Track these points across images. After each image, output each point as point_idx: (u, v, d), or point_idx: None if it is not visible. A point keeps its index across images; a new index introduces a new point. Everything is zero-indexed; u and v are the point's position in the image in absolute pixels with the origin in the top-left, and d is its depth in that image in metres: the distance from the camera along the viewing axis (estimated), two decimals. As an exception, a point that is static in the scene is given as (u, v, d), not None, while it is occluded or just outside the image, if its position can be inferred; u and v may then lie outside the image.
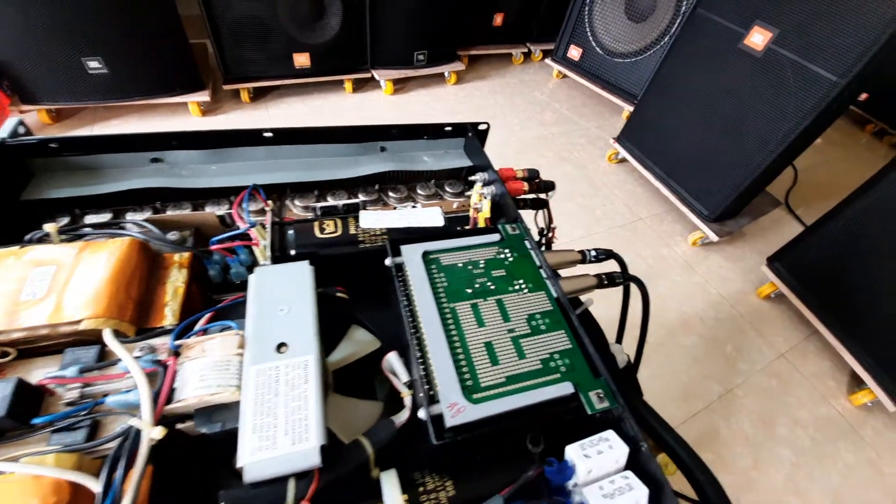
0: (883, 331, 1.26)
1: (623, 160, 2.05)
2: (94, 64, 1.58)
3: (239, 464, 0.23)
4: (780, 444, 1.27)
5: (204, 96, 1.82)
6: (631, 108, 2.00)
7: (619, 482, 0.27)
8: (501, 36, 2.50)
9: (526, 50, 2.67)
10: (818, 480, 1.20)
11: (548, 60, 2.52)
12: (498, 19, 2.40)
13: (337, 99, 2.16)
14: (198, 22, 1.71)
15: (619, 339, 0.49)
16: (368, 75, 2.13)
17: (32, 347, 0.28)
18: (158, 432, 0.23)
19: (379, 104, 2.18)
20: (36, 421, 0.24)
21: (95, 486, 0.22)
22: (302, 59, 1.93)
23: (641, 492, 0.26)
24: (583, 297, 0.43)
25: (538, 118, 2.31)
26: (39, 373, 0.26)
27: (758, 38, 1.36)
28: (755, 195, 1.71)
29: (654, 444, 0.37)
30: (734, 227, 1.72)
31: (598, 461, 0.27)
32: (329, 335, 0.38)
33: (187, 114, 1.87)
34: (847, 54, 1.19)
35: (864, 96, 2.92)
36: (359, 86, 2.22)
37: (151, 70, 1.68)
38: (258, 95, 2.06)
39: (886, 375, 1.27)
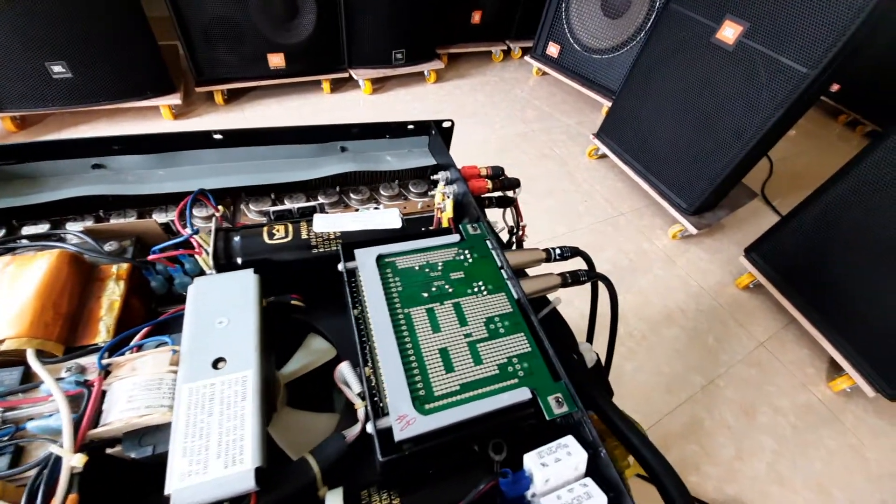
0: (859, 317, 1.28)
1: (603, 156, 2.06)
2: (57, 68, 1.53)
3: (167, 491, 0.21)
4: (762, 432, 1.29)
5: (175, 99, 1.77)
6: (610, 104, 2.01)
7: (577, 490, 0.26)
8: (480, 34, 2.49)
9: (505, 47, 2.67)
10: (801, 468, 1.22)
11: (527, 58, 2.52)
12: (476, 17, 2.39)
13: (315, 100, 2.13)
14: (167, 23, 1.67)
15: (589, 339, 0.48)
16: (346, 75, 2.10)
17: (-54, 372, 0.26)
18: (78, 460, 0.22)
19: (358, 104, 2.15)
20: (-57, 453, 0.22)
21: (4, 522, 0.20)
22: (276, 60, 1.89)
23: (600, 500, 0.25)
24: (550, 297, 0.42)
25: (519, 115, 2.31)
26: (-48, 400, 0.24)
27: (729, 32, 1.38)
28: (732, 187, 1.73)
29: (619, 444, 0.37)
30: (712, 219, 1.75)
31: (556, 469, 0.26)
32: (284, 345, 0.36)
33: (159, 117, 1.82)
34: (816, 46, 1.20)
35: (835, 87, 2.99)
36: (337, 86, 2.19)
37: (119, 73, 1.63)
38: (233, 97, 2.02)
39: (864, 361, 1.30)
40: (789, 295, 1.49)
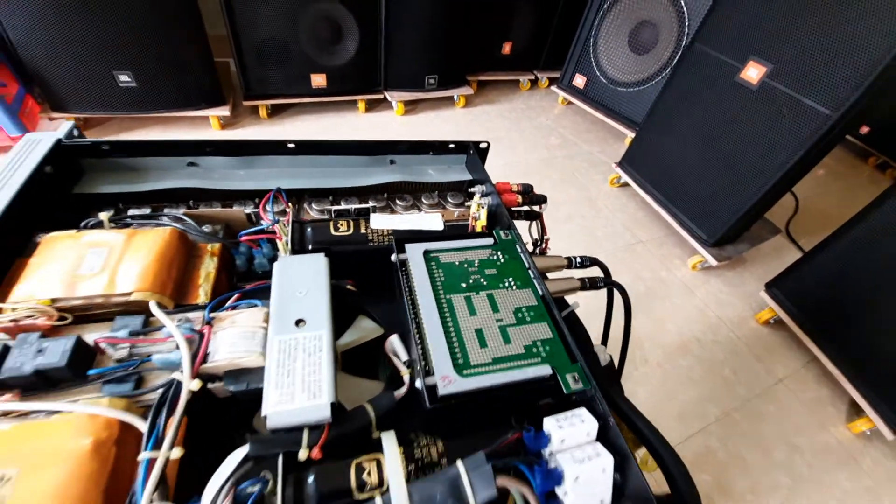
0: (881, 359, 1.27)
1: (625, 184, 2.11)
2: (124, 77, 1.69)
3: (263, 413, 0.27)
4: (777, 469, 1.27)
5: (224, 111, 1.92)
6: (633, 135, 2.07)
7: (588, 451, 0.30)
8: (510, 63, 2.61)
9: (533, 77, 2.78)
10: (815, 508, 1.19)
11: (554, 87, 2.61)
12: (507, 48, 2.51)
13: (350, 118, 2.26)
14: (223, 41, 1.83)
15: (604, 342, 0.52)
16: (381, 96, 2.23)
17: (86, 314, 0.33)
18: (196, 384, 0.28)
19: (390, 124, 2.27)
20: (91, 372, 0.29)
21: (142, 425, 0.26)
22: (319, 80, 2.03)
23: (608, 459, 0.30)
24: (569, 300, 0.47)
25: (543, 142, 2.39)
26: (91, 336, 0.31)
27: (753, 73, 1.43)
28: (753, 222, 1.74)
29: (633, 437, 0.41)
30: (733, 252, 1.76)
31: (570, 432, 0.31)
32: (338, 323, 0.42)
33: (208, 127, 1.97)
34: (839, 89, 1.24)
35: (865, 129, 2.97)
36: (371, 106, 2.32)
37: (178, 85, 1.78)
38: (275, 112, 2.16)
39: (885, 404, 1.27)
40: (810, 333, 1.47)
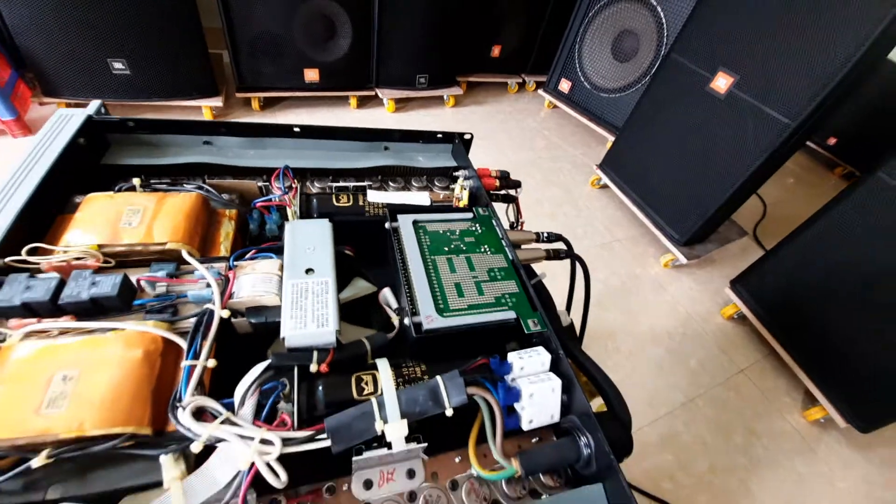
0: (834, 351, 1.37)
1: (605, 186, 2.21)
2: (118, 65, 1.71)
3: (282, 335, 0.34)
4: (736, 451, 1.37)
5: (217, 102, 1.95)
6: (614, 139, 2.17)
7: (542, 377, 0.38)
8: (499, 66, 2.70)
9: (521, 80, 2.87)
10: (771, 488, 1.29)
11: (540, 91, 2.71)
12: (496, 50, 2.59)
13: (342, 113, 2.31)
14: (218, 34, 1.86)
15: (567, 308, 0.60)
16: (372, 93, 2.29)
17: (126, 260, 0.39)
18: (225, 313, 0.34)
19: (381, 121, 2.33)
20: (136, 303, 0.35)
21: (183, 342, 0.32)
22: (311, 75, 2.08)
23: (557, 382, 0.37)
24: (537, 271, 0.55)
25: (529, 143, 2.48)
26: (134, 276, 0.37)
27: (721, 83, 1.54)
28: (721, 223, 1.86)
29: (589, 387, 0.48)
30: (702, 251, 1.87)
31: (528, 362, 0.38)
32: (338, 282, 0.49)
33: (200, 117, 2.00)
34: (797, 99, 1.34)
35: (833, 140, 3.15)
36: (363, 102, 2.38)
37: (172, 74, 1.81)
38: (268, 105, 2.20)
39: (837, 393, 1.37)
40: (770, 327, 1.58)
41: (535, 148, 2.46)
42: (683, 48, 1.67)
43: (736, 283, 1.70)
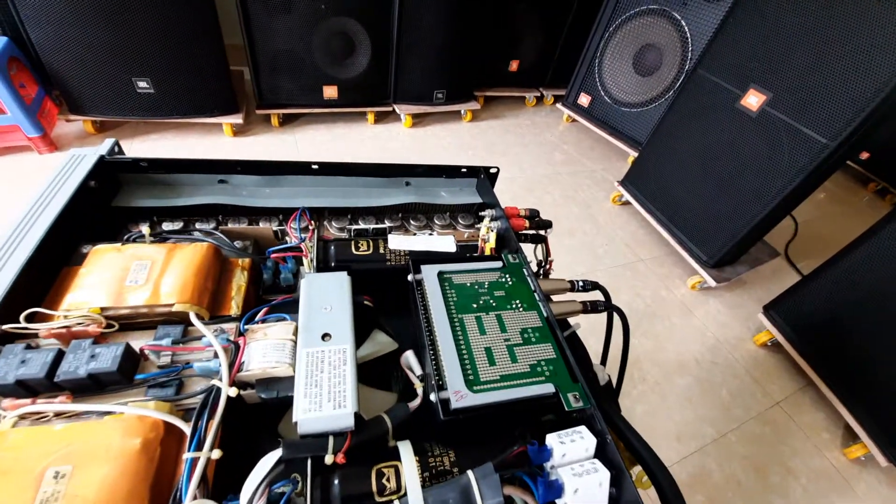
0: (876, 384, 1.28)
1: (626, 202, 2.14)
2: (142, 84, 1.74)
3: (294, 419, 0.30)
4: (772, 492, 1.28)
5: (237, 119, 1.97)
6: (635, 154, 2.11)
7: (587, 466, 0.33)
8: (516, 80, 2.67)
9: (539, 94, 2.83)
10: (810, 532, 1.20)
11: (559, 105, 2.67)
12: (514, 65, 2.57)
13: (359, 129, 2.31)
14: (239, 51, 1.88)
15: (602, 362, 0.55)
16: (390, 109, 2.28)
17: (131, 323, 0.36)
18: (234, 391, 0.31)
19: (398, 136, 2.32)
20: (137, 377, 0.32)
21: (186, 427, 0.29)
22: (330, 91, 2.09)
23: (605, 474, 0.32)
24: (571, 321, 0.50)
25: (547, 158, 2.44)
26: (137, 343, 0.34)
27: (753, 100, 1.47)
28: (752, 244, 1.78)
29: (629, 455, 0.43)
30: (732, 274, 1.78)
31: (570, 448, 0.33)
32: (356, 336, 0.45)
33: (221, 134, 2.02)
34: (837, 119, 1.27)
35: (865, 155, 3.02)
36: (380, 118, 2.37)
37: (194, 93, 1.83)
38: (287, 121, 2.21)
39: (880, 430, 1.28)
40: (807, 356, 1.49)
41: (554, 163, 2.41)
42: (711, 64, 1.61)
43: (770, 308, 1.61)
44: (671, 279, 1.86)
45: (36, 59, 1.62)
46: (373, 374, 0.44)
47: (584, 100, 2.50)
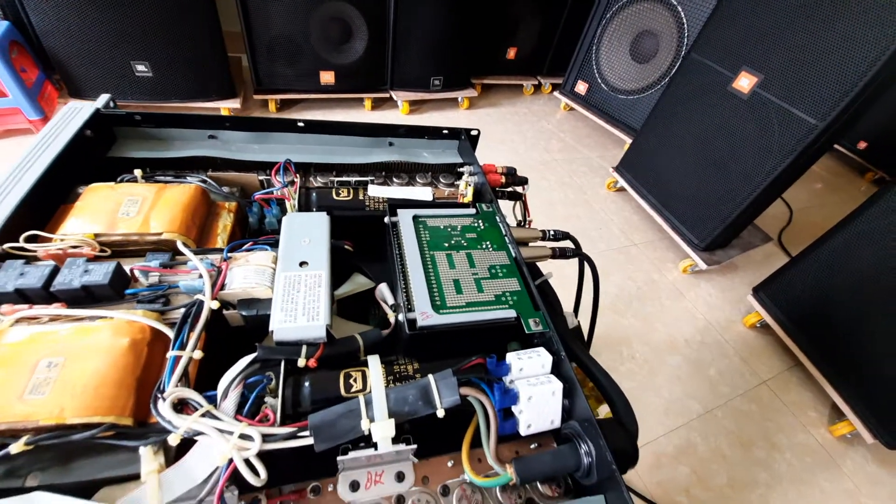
0: (862, 363, 1.30)
1: (621, 189, 2.16)
2: (141, 67, 1.76)
3: (271, 328, 0.33)
4: (756, 465, 1.31)
5: (235, 103, 1.99)
6: (631, 141, 2.12)
7: (542, 379, 0.36)
8: (514, 68, 2.68)
9: (536, 82, 2.84)
10: (793, 504, 1.23)
11: (556, 93, 2.68)
12: (511, 53, 2.58)
13: (356, 115, 2.33)
14: (237, 37, 1.90)
15: (575, 311, 0.58)
16: (387, 95, 2.30)
17: (122, 250, 0.39)
18: (215, 304, 0.33)
19: (395, 122, 2.33)
20: (127, 292, 0.35)
21: (171, 333, 0.32)
22: (327, 77, 2.10)
23: (558, 385, 0.35)
24: (543, 271, 0.53)
25: (544, 145, 2.45)
26: (127, 266, 0.37)
27: (744, 82, 1.49)
28: (743, 228, 1.79)
29: (595, 393, 0.46)
30: (723, 257, 1.80)
31: (528, 363, 0.36)
32: (336, 276, 0.48)
33: (220, 118, 2.04)
34: (825, 100, 1.29)
35: (863, 145, 3.02)
36: (377, 104, 2.39)
37: (192, 77, 1.86)
38: (284, 106, 2.23)
39: (865, 407, 1.30)
40: (795, 337, 1.51)
41: (550, 150, 2.43)
42: (704, 47, 1.62)
43: (759, 290, 1.64)
44: (663, 263, 1.89)
45: (37, 44, 1.64)
46: (351, 310, 0.46)
47: (581, 87, 2.51)
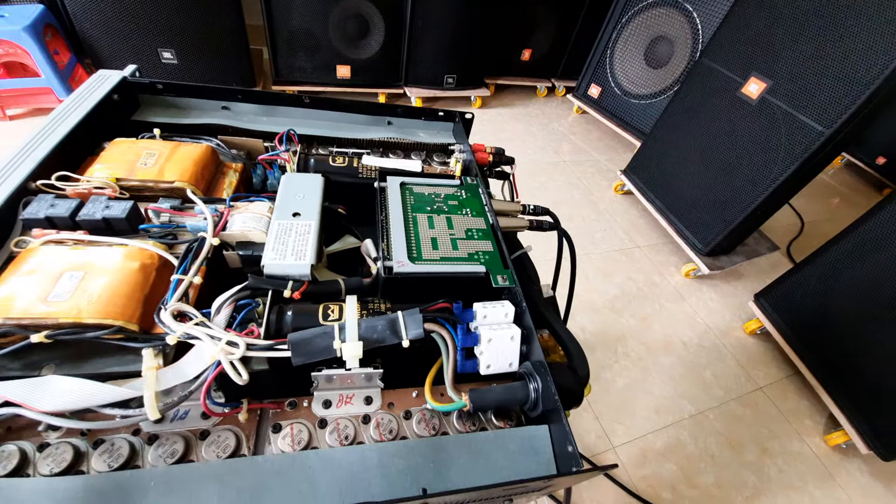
0: (860, 373, 1.29)
1: (629, 192, 2.17)
2: (167, 55, 1.85)
3: (262, 263, 0.37)
4: (745, 468, 1.31)
5: (255, 93, 2.06)
6: (640, 144, 2.14)
7: (503, 326, 0.39)
8: (528, 70, 2.71)
9: (550, 84, 2.87)
10: (780, 509, 1.23)
11: (569, 96, 2.70)
12: (526, 54, 2.61)
13: (371, 109, 2.38)
14: (259, 32, 1.98)
15: (553, 286, 0.61)
16: (401, 91, 2.36)
17: (139, 194, 0.44)
18: (216, 241, 0.38)
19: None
20: (141, 227, 0.40)
21: (175, 261, 0.37)
22: (344, 71, 2.17)
23: (516, 330, 0.39)
24: (523, 244, 0.56)
25: (554, 147, 2.48)
26: (143, 206, 0.42)
27: (753, 88, 1.50)
28: (748, 234, 1.79)
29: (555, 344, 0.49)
30: (727, 263, 1.80)
31: (491, 312, 0.40)
32: (329, 236, 0.53)
33: (239, 107, 2.12)
34: (833, 107, 1.30)
35: (882, 160, 2.96)
36: (391, 100, 2.45)
37: (215, 67, 1.94)
38: (302, 98, 2.30)
39: (862, 418, 1.29)
40: (795, 345, 1.51)
41: (561, 152, 2.45)
42: (715, 52, 1.63)
43: (760, 297, 1.63)
44: (666, 266, 1.89)
45: (69, 28, 1.73)
46: (341, 266, 0.51)
47: (594, 91, 2.52)
